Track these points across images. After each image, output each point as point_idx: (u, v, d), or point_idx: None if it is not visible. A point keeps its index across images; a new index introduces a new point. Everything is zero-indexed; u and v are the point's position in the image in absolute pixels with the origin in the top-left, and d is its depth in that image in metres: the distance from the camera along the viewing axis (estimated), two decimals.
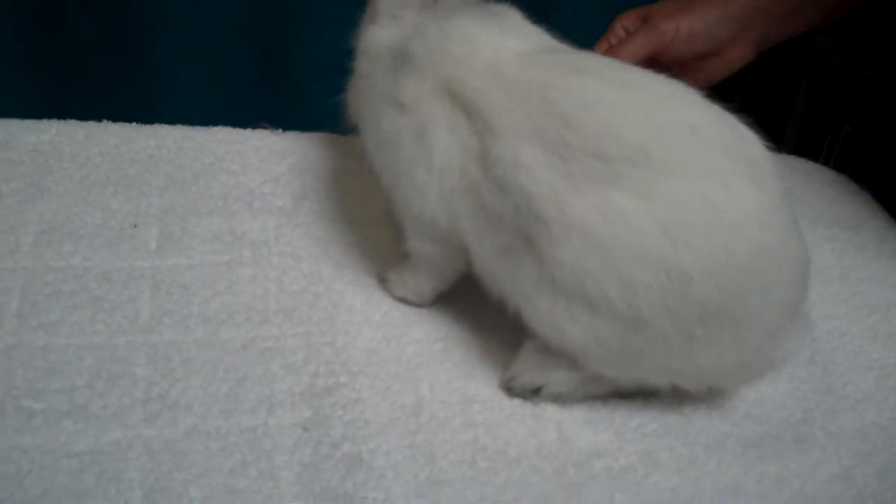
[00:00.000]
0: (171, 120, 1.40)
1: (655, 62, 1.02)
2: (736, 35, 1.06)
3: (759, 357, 0.81)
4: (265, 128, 1.14)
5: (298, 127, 1.23)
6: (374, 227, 1.02)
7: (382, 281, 0.95)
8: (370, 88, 0.91)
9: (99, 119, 1.12)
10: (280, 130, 1.14)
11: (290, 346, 0.87)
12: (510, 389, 0.86)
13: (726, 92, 0.98)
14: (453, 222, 0.86)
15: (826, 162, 1.33)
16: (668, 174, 0.76)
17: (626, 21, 1.08)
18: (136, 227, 0.98)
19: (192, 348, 0.86)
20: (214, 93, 1.42)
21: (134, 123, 1.11)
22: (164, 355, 0.85)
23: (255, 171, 1.08)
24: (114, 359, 0.84)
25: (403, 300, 0.94)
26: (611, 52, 1.04)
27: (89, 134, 1.09)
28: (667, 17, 1.05)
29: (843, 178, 1.24)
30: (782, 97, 1.44)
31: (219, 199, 1.03)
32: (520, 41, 0.87)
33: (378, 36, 0.92)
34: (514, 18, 0.91)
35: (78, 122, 1.10)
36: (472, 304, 0.92)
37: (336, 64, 1.29)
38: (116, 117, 1.14)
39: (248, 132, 1.13)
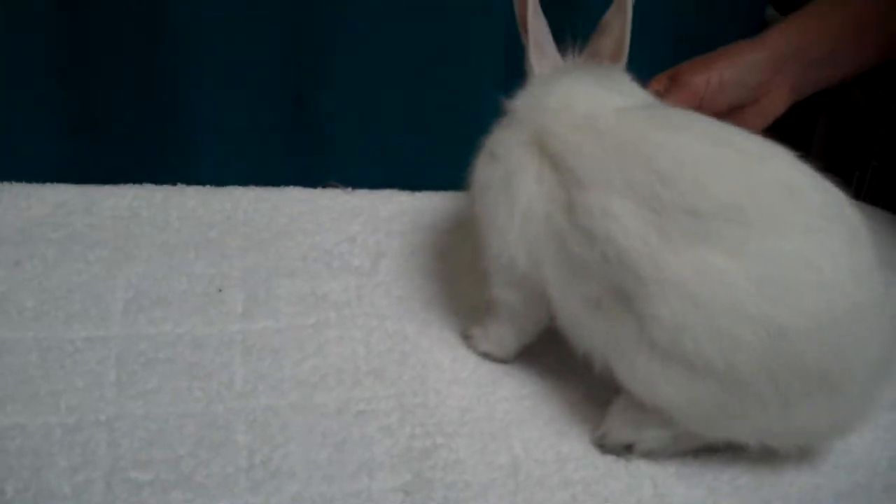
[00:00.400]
0: (210, 174, 1.42)
1: None
2: (769, 81, 1.08)
3: (853, 415, 0.82)
4: (334, 186, 1.16)
5: (333, 171, 1.25)
6: (452, 283, 1.04)
7: (466, 337, 0.97)
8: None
9: (143, 179, 1.14)
10: (349, 189, 1.16)
11: (383, 407, 0.89)
12: (602, 446, 0.87)
13: None
14: (535, 269, 0.88)
15: (856, 198, 1.34)
16: (763, 232, 0.77)
17: (656, 85, 1.08)
18: (221, 290, 1.00)
19: (288, 413, 0.88)
20: (251, 145, 1.43)
21: (209, 186, 1.13)
22: (263, 421, 0.87)
23: (329, 230, 1.10)
24: (214, 426, 0.86)
25: (487, 355, 0.96)
26: None
27: (167, 197, 1.11)
28: (696, 70, 1.06)
29: (891, 216, 1.25)
30: (801, 133, 1.46)
31: (298, 260, 1.05)
32: (620, 98, 0.90)
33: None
34: (621, 77, 0.95)
35: (154, 185, 1.12)
36: (555, 359, 0.94)
37: (368, 107, 1.33)
38: (155, 175, 1.17)
39: (318, 191, 1.15)
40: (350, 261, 1.06)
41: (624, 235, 0.81)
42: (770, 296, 0.75)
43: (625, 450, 0.87)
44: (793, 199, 0.79)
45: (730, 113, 1.07)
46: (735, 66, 1.06)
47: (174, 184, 1.14)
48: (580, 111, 0.88)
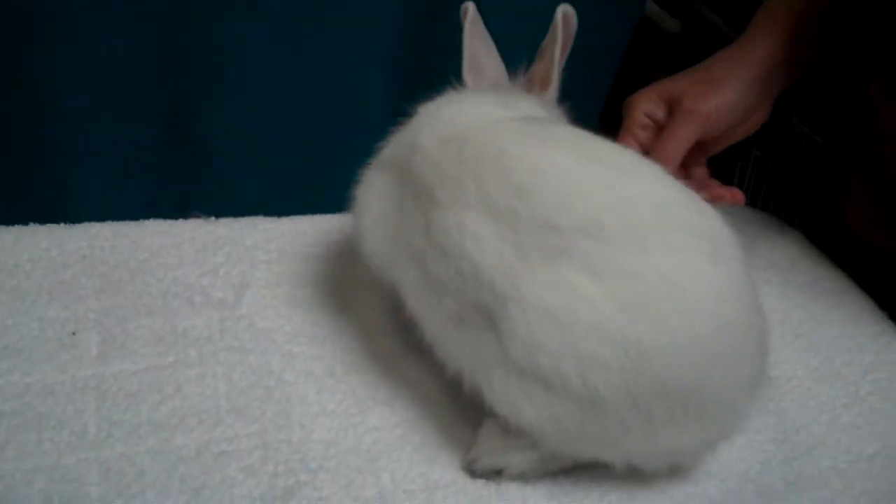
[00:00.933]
0: (85, 205, 1.37)
1: None
2: (763, 96, 1.07)
3: (721, 431, 0.82)
4: (197, 216, 1.12)
5: (213, 199, 1.22)
6: (319, 311, 1.01)
7: None
8: None
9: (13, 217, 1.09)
10: (213, 218, 1.12)
11: (245, 446, 0.86)
12: (473, 472, 0.85)
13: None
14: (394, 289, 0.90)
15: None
16: (624, 249, 0.76)
17: (646, 105, 1.06)
18: (74, 334, 0.95)
19: (145, 459, 0.84)
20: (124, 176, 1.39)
21: (63, 224, 1.08)
22: (118, 470, 0.82)
23: (192, 263, 1.06)
24: (65, 479, 0.81)
25: None
26: (656, 149, 1.03)
27: (17, 239, 1.05)
28: (700, 98, 1.04)
29: (771, 218, 1.27)
30: None
31: (157, 297, 1.01)
32: (505, 111, 0.89)
33: None
34: (523, 99, 0.94)
35: (4, 227, 1.07)
36: (430, 384, 0.92)
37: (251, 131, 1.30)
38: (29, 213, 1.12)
39: (179, 223, 1.11)
40: (212, 294, 1.02)
41: (479, 251, 0.79)
42: (629, 315, 0.74)
43: (495, 474, 0.85)
44: (657, 216, 0.78)
45: (722, 135, 1.06)
46: (737, 90, 1.05)
47: (41, 223, 1.09)
48: (455, 124, 0.87)
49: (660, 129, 1.08)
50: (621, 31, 1.64)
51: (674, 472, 0.87)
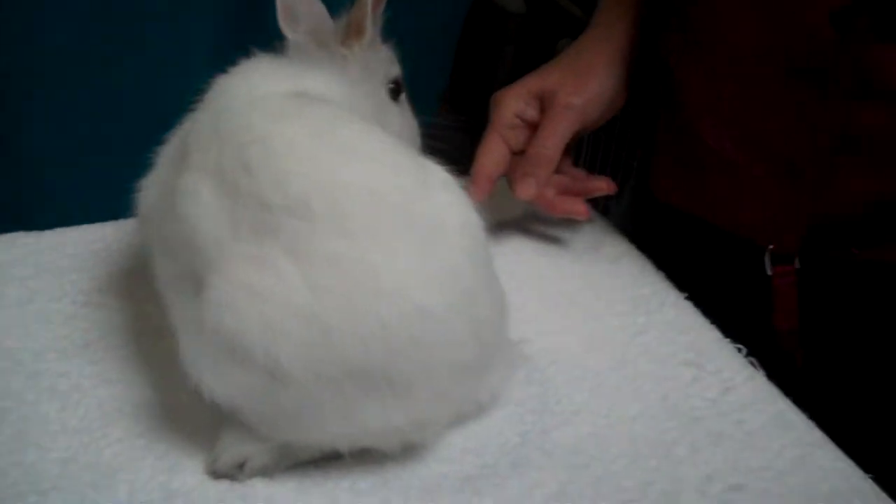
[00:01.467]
0: None
1: None
2: (627, 78, 1.09)
3: (437, 415, 0.80)
4: None
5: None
6: (69, 324, 0.97)
7: None
8: None
9: None
10: None
11: None
12: (215, 472, 0.82)
13: None
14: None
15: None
16: (327, 232, 0.75)
17: (515, 104, 1.07)
18: None
19: None
20: None
21: None
22: None
23: None
24: None
25: None
26: (535, 149, 1.04)
27: None
28: (575, 91, 1.06)
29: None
30: None
31: None
32: (286, 86, 0.88)
33: None
34: (319, 66, 0.93)
35: None
36: (179, 389, 0.88)
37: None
38: None
39: None
40: None
41: (200, 217, 0.79)
42: (319, 296, 0.73)
43: (238, 470, 0.82)
44: (370, 202, 0.77)
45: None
46: (608, 76, 1.07)
47: None
48: (232, 96, 0.87)
49: (531, 127, 1.09)
50: (456, 9, 1.64)
51: (430, 452, 0.86)
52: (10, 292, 1.00)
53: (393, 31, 1.48)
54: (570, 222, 1.16)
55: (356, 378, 0.74)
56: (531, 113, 1.08)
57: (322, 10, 0.95)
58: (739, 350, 0.99)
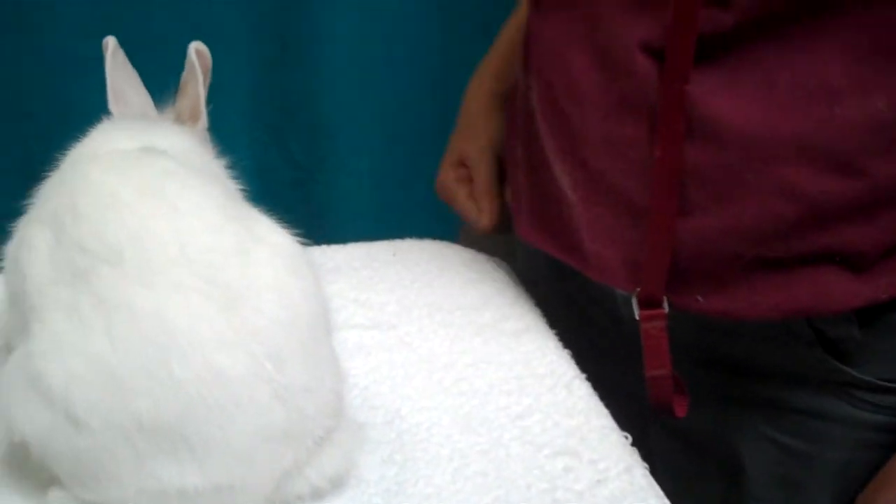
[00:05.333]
0: None
1: None
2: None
3: (237, 477, 0.77)
4: None
5: None
6: None
7: None
8: None
9: None
10: None
11: None
12: None
13: None
14: None
15: None
16: (134, 281, 0.75)
17: (450, 181, 1.22)
18: None
19: None
20: None
21: None
22: None
23: None
24: None
25: None
26: (478, 197, 1.20)
27: None
28: (476, 139, 1.22)
29: (481, 257, 1.24)
30: None
31: None
32: (134, 143, 0.89)
33: None
34: (167, 127, 0.95)
35: None
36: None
37: None
38: None
39: None
40: None
41: (31, 264, 0.80)
42: (117, 345, 0.73)
43: None
44: (178, 256, 0.76)
45: None
46: (493, 124, 1.21)
47: None
48: (81, 152, 0.90)
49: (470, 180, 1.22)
50: None
51: None
52: None
53: None
54: (481, 293, 1.14)
55: (149, 433, 0.72)
56: (463, 172, 1.22)
57: (147, 98, 0.98)
58: (626, 438, 0.94)
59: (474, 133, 1.22)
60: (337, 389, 0.84)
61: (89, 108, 1.41)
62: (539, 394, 0.99)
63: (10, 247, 0.89)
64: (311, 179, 1.87)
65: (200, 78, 0.95)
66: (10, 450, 0.86)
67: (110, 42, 0.97)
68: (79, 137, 1.36)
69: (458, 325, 1.09)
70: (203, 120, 0.97)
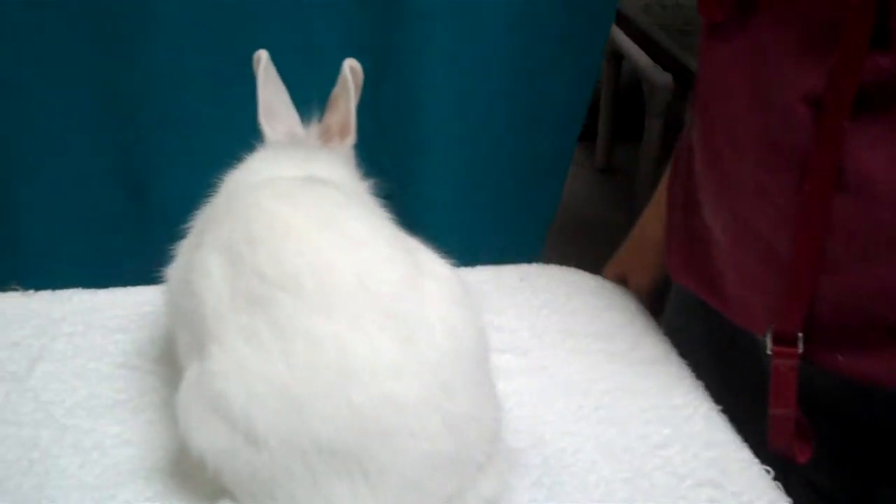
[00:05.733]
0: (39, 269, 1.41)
1: None
2: None
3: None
4: (15, 289, 1.14)
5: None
6: (104, 383, 1.01)
7: None
8: None
9: None
10: (32, 291, 1.14)
11: None
12: None
13: None
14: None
15: None
16: (311, 310, 0.78)
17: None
18: None
19: None
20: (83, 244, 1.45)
21: None
22: None
23: None
24: None
25: None
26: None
27: None
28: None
29: (609, 285, 1.26)
30: None
31: None
32: (296, 171, 0.93)
33: None
34: (320, 153, 0.98)
35: None
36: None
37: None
38: None
39: None
40: (7, 367, 1.03)
41: (207, 289, 0.83)
42: (296, 371, 0.76)
43: None
44: (356, 287, 0.79)
45: None
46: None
47: None
48: (244, 181, 0.93)
49: None
50: (581, 83, 1.69)
51: None
52: (57, 347, 1.06)
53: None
54: (611, 320, 1.16)
55: (326, 455, 0.75)
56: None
57: (294, 113, 1.02)
58: (767, 472, 0.96)
59: (643, 264, 1.26)
60: (497, 417, 0.87)
61: (188, 116, 1.47)
62: (677, 424, 1.01)
63: (177, 269, 0.94)
64: (403, 192, 1.91)
65: (353, 94, 0.98)
66: (181, 458, 0.92)
67: (262, 56, 1.00)
68: (177, 144, 1.44)
69: (590, 352, 1.11)
70: (352, 136, 1.00)
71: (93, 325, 1.09)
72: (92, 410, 0.98)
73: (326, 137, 1.01)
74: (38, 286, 1.16)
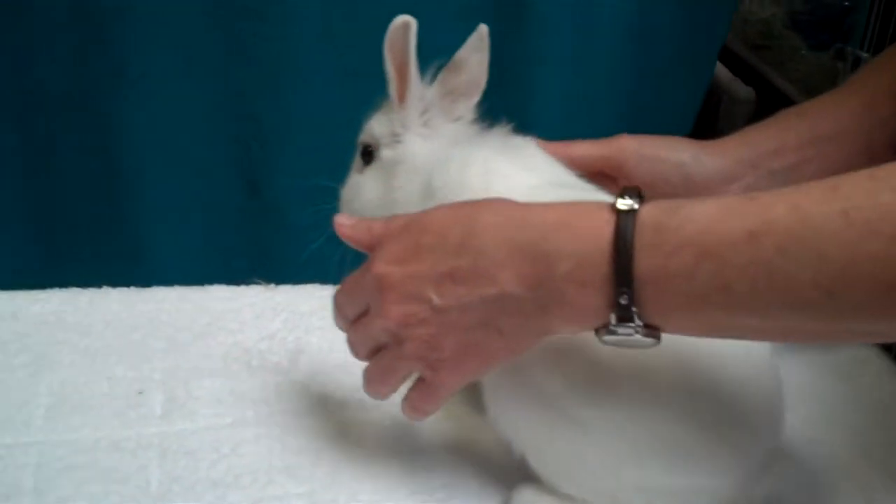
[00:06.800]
0: (160, 264, 1.48)
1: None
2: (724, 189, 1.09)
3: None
4: (258, 283, 1.19)
5: (284, 262, 1.29)
6: None
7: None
8: (404, 202, 0.99)
9: (91, 274, 1.19)
10: (273, 285, 1.20)
11: None
12: None
13: None
14: None
15: None
16: None
17: None
18: (141, 393, 1.02)
19: None
20: (201, 239, 1.51)
21: (133, 287, 1.16)
22: None
23: (251, 328, 1.13)
24: None
25: None
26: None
27: (91, 301, 1.14)
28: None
29: None
30: None
31: (218, 360, 1.08)
32: (533, 176, 0.96)
33: (417, 148, 1.02)
34: (531, 151, 1.00)
35: (79, 289, 1.16)
36: (474, 445, 0.98)
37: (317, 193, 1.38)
38: (105, 268, 1.20)
39: (241, 289, 1.19)
40: (269, 358, 1.09)
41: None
42: None
43: None
44: None
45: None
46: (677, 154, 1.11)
47: (128, 285, 1.18)
48: (497, 190, 0.91)
49: None
50: (693, 92, 1.73)
51: None
52: (312, 340, 1.12)
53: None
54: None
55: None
56: None
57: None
58: None
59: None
60: None
61: (309, 112, 1.52)
62: None
63: None
64: None
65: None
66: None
67: (482, 29, 1.01)
68: (294, 141, 1.50)
69: (818, 363, 1.14)
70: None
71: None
72: (363, 403, 1.02)
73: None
74: (147, 282, 1.20)
